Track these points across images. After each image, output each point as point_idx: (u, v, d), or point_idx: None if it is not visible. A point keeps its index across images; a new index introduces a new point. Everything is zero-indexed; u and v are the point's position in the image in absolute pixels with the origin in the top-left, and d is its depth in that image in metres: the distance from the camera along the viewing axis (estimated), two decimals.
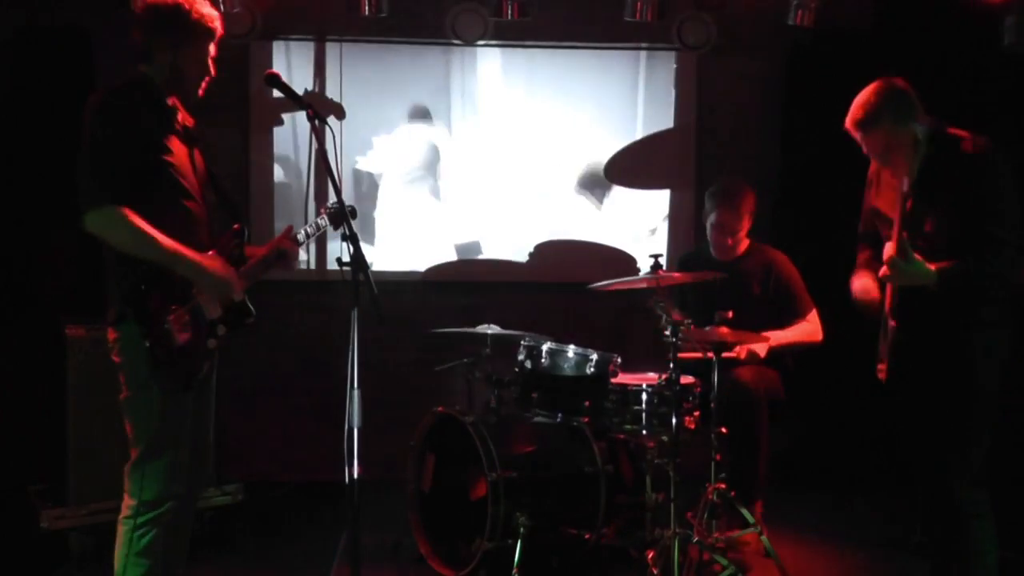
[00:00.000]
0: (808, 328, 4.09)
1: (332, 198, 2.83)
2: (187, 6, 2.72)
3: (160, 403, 2.64)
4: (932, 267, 2.79)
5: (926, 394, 2.96)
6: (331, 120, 2.82)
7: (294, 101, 2.87)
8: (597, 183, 5.47)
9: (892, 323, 2.96)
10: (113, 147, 2.57)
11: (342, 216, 2.78)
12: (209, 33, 2.78)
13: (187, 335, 2.65)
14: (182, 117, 2.77)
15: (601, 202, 5.47)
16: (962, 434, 2.89)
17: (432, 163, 5.40)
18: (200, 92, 2.84)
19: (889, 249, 2.82)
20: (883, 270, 2.86)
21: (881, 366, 3.04)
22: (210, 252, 2.75)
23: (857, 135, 3.00)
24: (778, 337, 3.97)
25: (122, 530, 2.68)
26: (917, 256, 2.79)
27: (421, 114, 5.36)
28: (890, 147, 2.96)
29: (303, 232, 3.06)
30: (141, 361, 2.60)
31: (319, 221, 3.06)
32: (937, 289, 2.79)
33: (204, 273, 2.69)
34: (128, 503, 2.68)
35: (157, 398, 2.63)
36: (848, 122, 2.99)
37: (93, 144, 2.59)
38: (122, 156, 2.57)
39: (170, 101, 2.75)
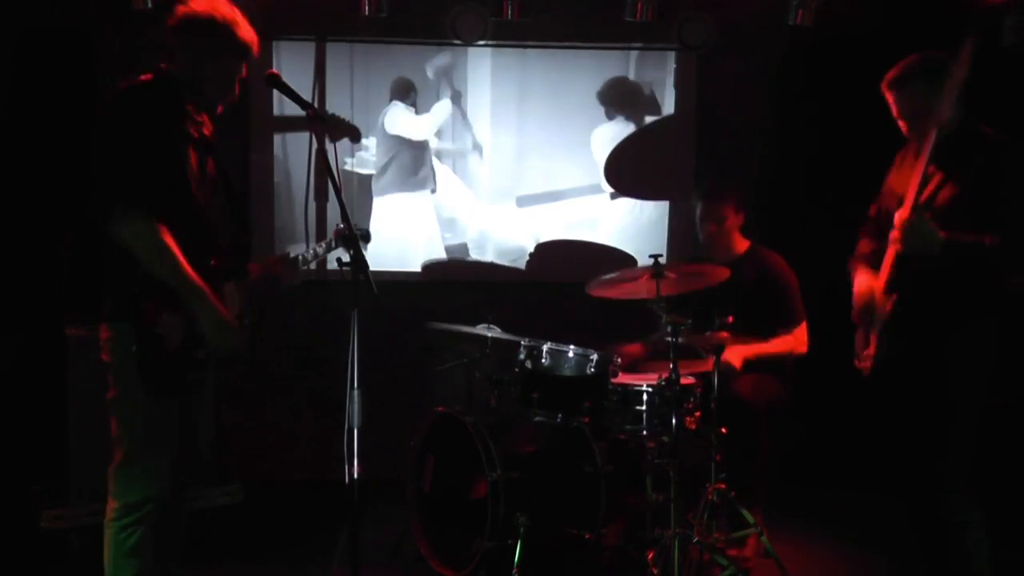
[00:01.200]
0: (790, 342, 4.05)
1: (335, 199, 2.82)
2: (229, 24, 2.71)
3: (145, 407, 2.63)
4: (941, 234, 2.76)
5: (912, 384, 2.95)
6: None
7: (294, 101, 2.87)
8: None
9: (886, 300, 2.94)
10: (141, 151, 2.54)
11: (351, 240, 2.76)
12: (244, 56, 2.78)
13: (178, 342, 2.64)
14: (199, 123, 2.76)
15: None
16: (945, 438, 2.89)
17: (430, 150, 5.40)
18: (219, 109, 2.82)
19: (901, 212, 2.79)
20: (893, 233, 2.81)
21: (866, 353, 3.04)
22: (211, 262, 2.74)
23: (889, 96, 3.00)
24: (755, 350, 3.95)
25: (108, 532, 2.67)
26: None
27: (404, 89, 5.35)
28: (918, 112, 2.93)
29: (303, 256, 3.05)
30: (130, 363, 2.59)
31: (323, 245, 3.07)
32: (943, 258, 2.76)
33: (211, 314, 2.64)
34: (112, 505, 2.67)
35: (142, 401, 2.62)
36: (883, 82, 3.00)
37: (119, 145, 2.56)
38: (150, 161, 2.55)
39: (189, 106, 2.72)
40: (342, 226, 2.82)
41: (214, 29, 2.70)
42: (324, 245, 3.10)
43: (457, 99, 5.36)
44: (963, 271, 2.84)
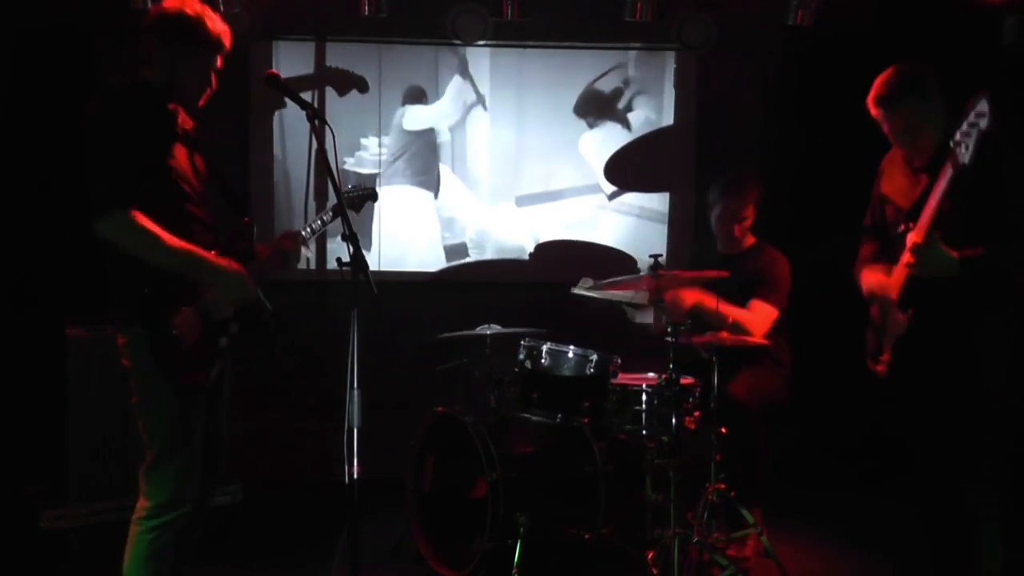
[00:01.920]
0: (749, 316, 3.96)
1: (334, 198, 2.84)
2: (198, 19, 2.73)
3: (171, 406, 2.65)
4: (954, 255, 2.74)
5: (933, 391, 2.94)
6: (331, 120, 2.82)
7: (294, 101, 2.87)
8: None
9: (901, 315, 2.93)
10: (118, 151, 2.57)
11: (343, 212, 2.79)
12: (216, 48, 2.80)
13: (195, 336, 2.65)
14: (182, 120, 2.78)
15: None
16: (970, 433, 2.88)
17: (431, 149, 5.41)
18: (200, 102, 2.85)
19: (913, 236, 2.75)
20: (906, 257, 2.78)
21: (883, 358, 3.02)
22: (213, 252, 2.75)
23: (878, 113, 2.95)
24: (711, 303, 3.84)
25: (135, 530, 2.68)
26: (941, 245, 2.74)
27: (417, 96, 5.37)
28: (912, 127, 2.92)
29: (308, 228, 3.07)
30: (150, 364, 2.61)
31: (324, 217, 3.08)
32: (960, 277, 2.73)
33: (219, 274, 2.69)
34: (143, 504, 2.69)
35: (168, 401, 2.64)
36: (870, 99, 2.95)
37: (97, 148, 2.58)
38: (128, 160, 2.57)
39: (170, 106, 2.75)
40: (344, 190, 2.85)
41: (185, 26, 2.72)
42: (327, 214, 3.10)
43: (463, 70, 5.37)
44: (979, 284, 2.83)
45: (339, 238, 2.80)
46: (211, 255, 2.69)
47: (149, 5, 4.68)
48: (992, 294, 2.86)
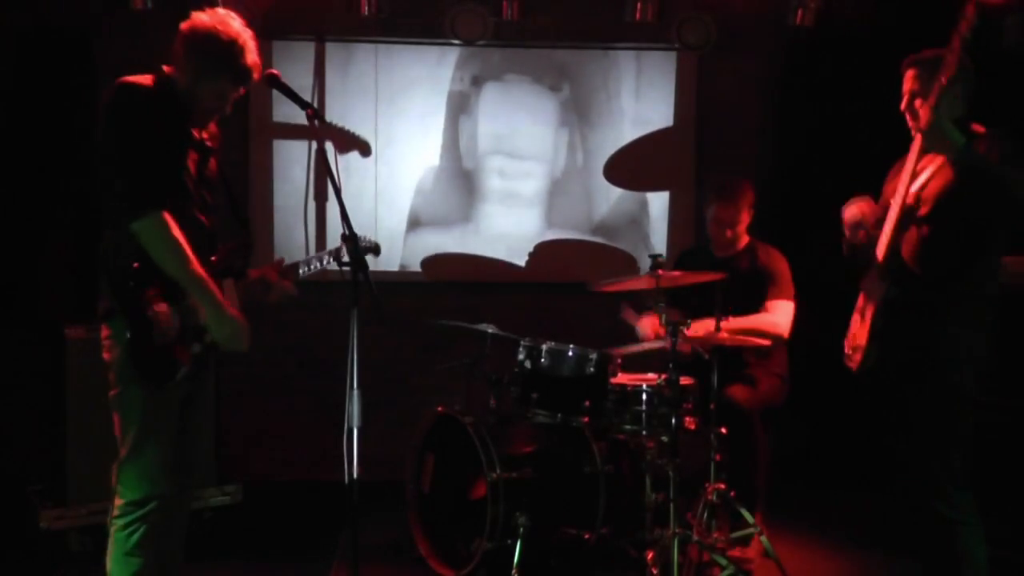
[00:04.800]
0: (767, 318, 3.98)
1: (334, 201, 2.81)
2: (233, 48, 2.70)
3: (143, 401, 2.65)
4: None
5: (904, 392, 2.94)
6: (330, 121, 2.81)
7: (293, 101, 2.87)
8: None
9: (880, 280, 2.94)
10: (153, 150, 2.57)
11: (351, 238, 2.76)
12: (243, 80, 2.77)
13: (171, 332, 2.64)
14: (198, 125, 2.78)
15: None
16: (940, 436, 2.88)
17: (431, 148, 5.42)
18: (209, 122, 2.83)
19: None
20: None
21: (858, 344, 3.02)
22: (212, 258, 2.75)
23: (904, 72, 3.02)
24: (730, 325, 3.77)
25: (113, 531, 2.69)
26: None
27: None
28: (918, 94, 2.94)
29: (305, 268, 3.03)
30: (125, 356, 2.61)
31: (323, 258, 3.02)
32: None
33: (220, 317, 2.67)
34: (117, 503, 2.69)
35: (140, 395, 2.64)
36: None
37: (124, 144, 2.58)
38: (161, 160, 2.58)
39: (185, 110, 2.74)
40: (344, 232, 2.80)
41: (222, 50, 2.70)
42: (318, 260, 3.04)
43: (463, 70, 5.38)
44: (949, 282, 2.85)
45: (339, 238, 2.79)
46: (221, 296, 2.67)
47: (150, 5, 4.69)
48: (967, 290, 2.87)
